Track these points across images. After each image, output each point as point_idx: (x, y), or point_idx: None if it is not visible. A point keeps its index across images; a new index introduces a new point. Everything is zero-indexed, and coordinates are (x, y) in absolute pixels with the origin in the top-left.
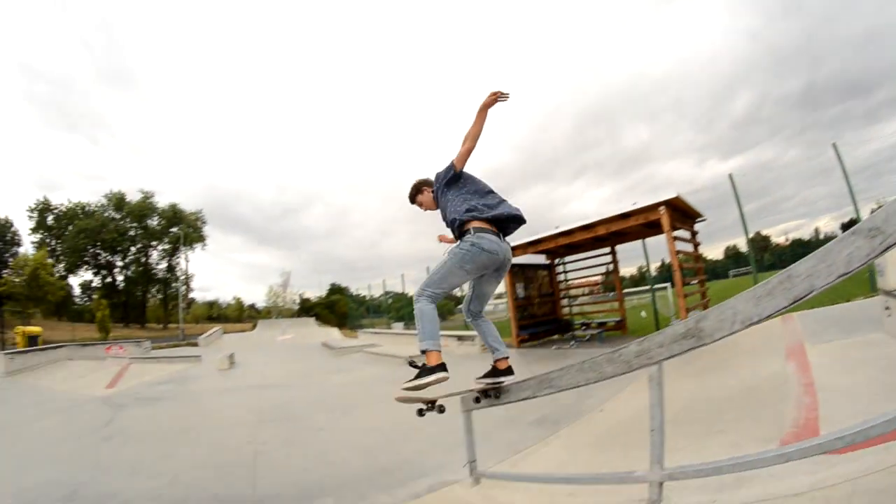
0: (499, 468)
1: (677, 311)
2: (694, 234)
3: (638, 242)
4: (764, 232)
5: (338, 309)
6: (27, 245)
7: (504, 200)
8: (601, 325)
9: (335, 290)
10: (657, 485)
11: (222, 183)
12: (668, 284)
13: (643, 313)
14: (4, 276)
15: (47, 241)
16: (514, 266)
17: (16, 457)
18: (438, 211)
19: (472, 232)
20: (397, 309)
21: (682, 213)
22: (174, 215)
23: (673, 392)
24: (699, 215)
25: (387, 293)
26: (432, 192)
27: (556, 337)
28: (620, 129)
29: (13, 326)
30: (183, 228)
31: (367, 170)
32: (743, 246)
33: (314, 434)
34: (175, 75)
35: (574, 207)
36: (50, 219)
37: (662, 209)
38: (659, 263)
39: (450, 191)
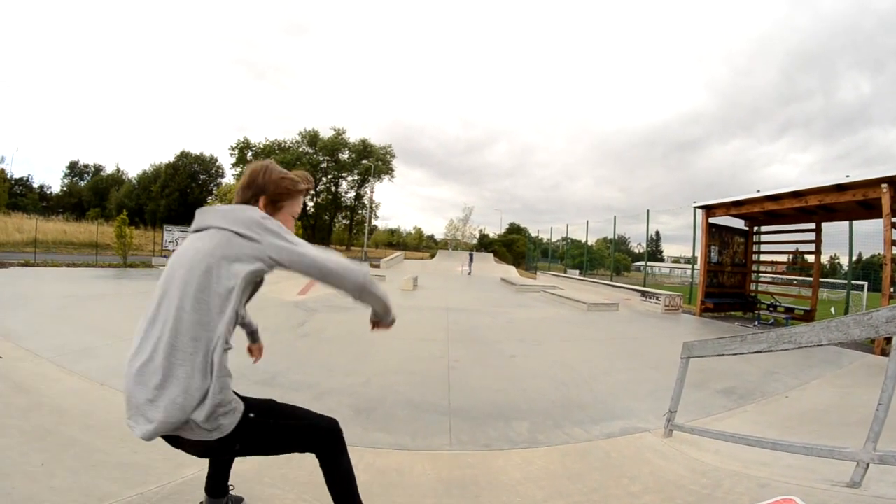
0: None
1: None
2: None
3: (833, 227)
4: None
5: (515, 248)
6: (229, 177)
7: None
8: (789, 310)
9: (514, 229)
10: (864, 466)
11: (408, 118)
12: (864, 284)
13: (833, 310)
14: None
15: None
16: (712, 226)
17: None
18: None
19: None
20: (573, 256)
21: None
22: (364, 149)
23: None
24: None
25: (565, 239)
26: None
27: (738, 313)
28: (836, 78)
29: None
30: (372, 161)
31: (553, 108)
32: None
33: (506, 360)
34: (349, 17)
35: (774, 171)
36: (249, 155)
37: (885, 187)
38: (856, 258)
39: None
